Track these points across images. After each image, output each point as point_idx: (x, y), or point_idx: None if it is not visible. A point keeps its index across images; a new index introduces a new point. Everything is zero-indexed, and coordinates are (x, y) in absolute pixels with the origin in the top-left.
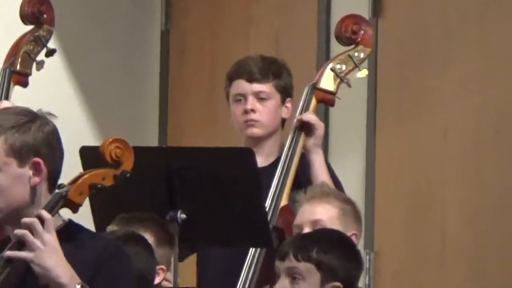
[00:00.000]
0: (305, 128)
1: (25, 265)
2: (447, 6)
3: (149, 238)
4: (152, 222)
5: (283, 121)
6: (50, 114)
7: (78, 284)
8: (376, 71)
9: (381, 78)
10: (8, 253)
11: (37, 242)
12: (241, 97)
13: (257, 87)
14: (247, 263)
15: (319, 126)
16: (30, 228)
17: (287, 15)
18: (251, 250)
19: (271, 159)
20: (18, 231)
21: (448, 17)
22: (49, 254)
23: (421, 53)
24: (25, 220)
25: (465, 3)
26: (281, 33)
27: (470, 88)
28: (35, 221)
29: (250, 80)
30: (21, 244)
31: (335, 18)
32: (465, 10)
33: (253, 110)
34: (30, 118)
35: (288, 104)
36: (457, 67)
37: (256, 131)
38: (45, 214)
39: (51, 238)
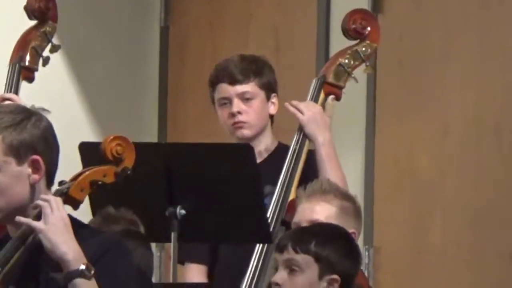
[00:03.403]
0: None
1: (36, 248)
2: (447, 3)
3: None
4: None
5: (271, 117)
6: (44, 109)
7: (84, 264)
8: (376, 67)
9: (381, 75)
10: (21, 218)
11: (51, 216)
12: (226, 101)
13: (240, 88)
14: (254, 258)
15: (298, 115)
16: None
17: (287, 11)
18: (257, 248)
19: (264, 155)
20: (39, 201)
21: (448, 14)
22: (59, 230)
23: (420, 49)
24: (42, 196)
25: (465, 0)
26: (281, 29)
27: (469, 85)
28: (49, 198)
29: (232, 82)
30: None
31: (334, 14)
32: (465, 7)
33: (239, 112)
34: (26, 116)
35: (274, 100)
36: (456, 64)
37: (245, 132)
38: (50, 196)
39: (65, 215)
